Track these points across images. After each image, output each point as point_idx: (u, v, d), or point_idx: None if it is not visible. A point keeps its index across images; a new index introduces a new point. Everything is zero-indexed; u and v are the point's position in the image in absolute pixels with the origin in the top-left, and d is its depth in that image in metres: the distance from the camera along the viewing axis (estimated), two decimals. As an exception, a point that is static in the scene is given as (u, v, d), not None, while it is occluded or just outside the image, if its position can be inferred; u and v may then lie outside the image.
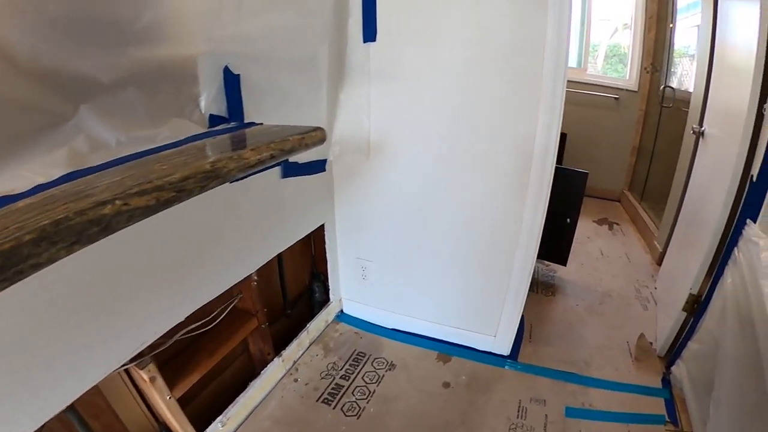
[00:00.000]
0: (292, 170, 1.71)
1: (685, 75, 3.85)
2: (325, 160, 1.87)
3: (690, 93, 3.22)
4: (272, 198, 1.69)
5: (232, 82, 1.29)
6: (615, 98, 4.66)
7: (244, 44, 1.32)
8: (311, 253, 2.33)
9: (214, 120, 1.28)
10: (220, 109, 1.30)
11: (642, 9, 4.43)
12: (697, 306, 2.11)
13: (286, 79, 1.51)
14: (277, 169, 1.64)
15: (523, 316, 2.39)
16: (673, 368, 2.16)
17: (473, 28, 1.65)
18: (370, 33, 1.72)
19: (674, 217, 3.13)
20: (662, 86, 4.03)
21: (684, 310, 2.16)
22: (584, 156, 4.80)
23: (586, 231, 4.01)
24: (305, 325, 2.25)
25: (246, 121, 1.37)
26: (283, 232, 1.83)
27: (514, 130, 1.76)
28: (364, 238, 2.25)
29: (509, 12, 1.59)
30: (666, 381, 2.19)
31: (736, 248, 1.79)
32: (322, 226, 2.18)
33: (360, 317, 2.53)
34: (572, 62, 4.91)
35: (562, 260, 2.81)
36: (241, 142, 1.11)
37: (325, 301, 2.46)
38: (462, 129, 1.82)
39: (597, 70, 5.21)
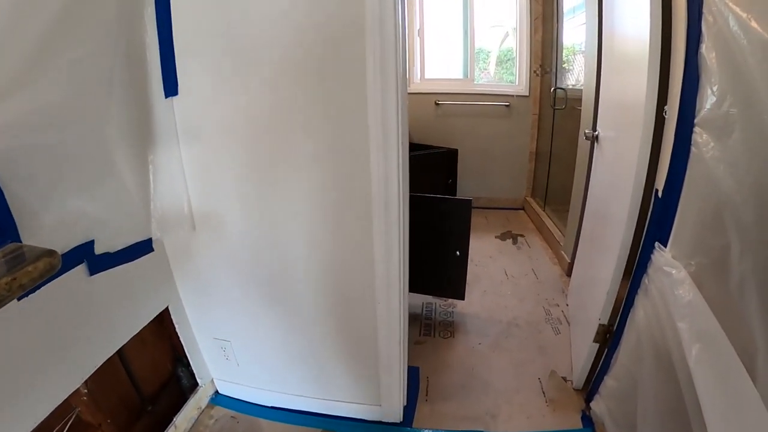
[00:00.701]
0: (103, 264, 1.46)
1: (581, 72, 3.66)
2: (149, 240, 1.65)
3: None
4: (81, 302, 1.43)
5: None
6: (506, 105, 4.53)
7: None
8: (169, 337, 2.03)
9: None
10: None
11: (526, 11, 4.30)
12: (609, 336, 1.91)
13: (72, 160, 1.29)
14: (81, 268, 1.38)
15: (417, 368, 2.24)
16: (592, 404, 1.97)
17: (285, 72, 1.48)
18: (170, 86, 1.53)
19: (578, 225, 2.91)
20: (553, 88, 3.91)
21: (595, 341, 1.97)
22: (480, 168, 4.71)
23: (488, 250, 3.74)
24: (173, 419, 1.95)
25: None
26: (108, 332, 1.58)
27: (346, 184, 1.58)
28: (217, 316, 1.99)
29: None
30: (587, 419, 1.98)
31: (645, 276, 1.57)
32: (168, 308, 1.91)
33: (237, 397, 2.19)
34: (457, 73, 4.75)
35: (459, 295, 2.49)
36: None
37: (194, 386, 2.13)
38: (291, 188, 1.64)
39: (490, 76, 5.12)
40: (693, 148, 1.27)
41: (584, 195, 2.77)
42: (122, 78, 1.38)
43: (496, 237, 4.03)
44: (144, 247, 1.63)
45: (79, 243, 1.32)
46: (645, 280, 1.57)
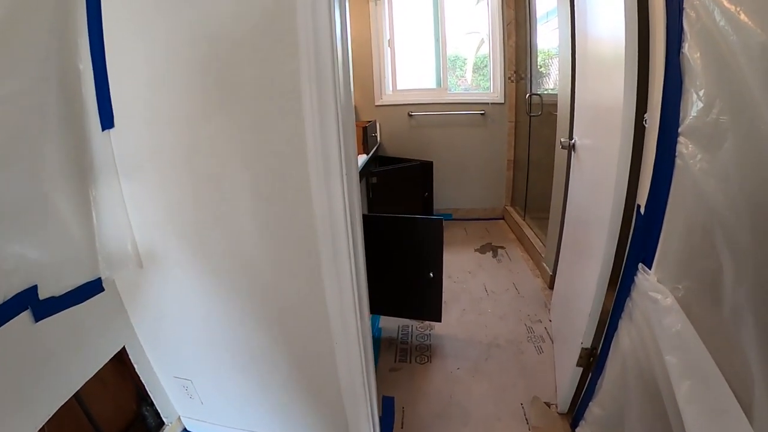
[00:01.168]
0: (49, 309, 1.38)
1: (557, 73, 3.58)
2: (98, 280, 1.56)
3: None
4: (28, 350, 1.36)
5: None
6: (481, 113, 4.43)
7: None
8: (131, 376, 1.94)
9: None
10: None
11: (498, 17, 4.21)
12: (593, 360, 1.80)
13: (5, 205, 1.21)
14: (24, 316, 1.30)
15: (392, 399, 2.14)
16: (578, 430, 1.86)
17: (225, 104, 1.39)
18: (106, 118, 1.46)
19: (558, 235, 2.79)
20: (528, 95, 3.81)
21: (579, 365, 1.86)
22: (457, 179, 4.61)
23: (467, 264, 3.60)
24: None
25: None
26: (61, 378, 1.50)
27: (289, 220, 1.50)
28: (176, 355, 1.91)
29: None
30: (572, 446, 1.84)
31: (629, 299, 1.45)
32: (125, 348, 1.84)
33: (206, 434, 2.11)
34: (431, 83, 4.64)
35: (435, 317, 2.35)
36: None
37: (161, 425, 2.06)
38: (232, 222, 1.55)
39: (468, 83, 5.00)
40: (678, 160, 1.14)
41: (563, 205, 2.66)
42: (57, 111, 1.32)
43: (475, 250, 3.89)
44: (93, 288, 1.55)
45: (21, 290, 1.24)
46: (629, 303, 1.44)
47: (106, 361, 1.72)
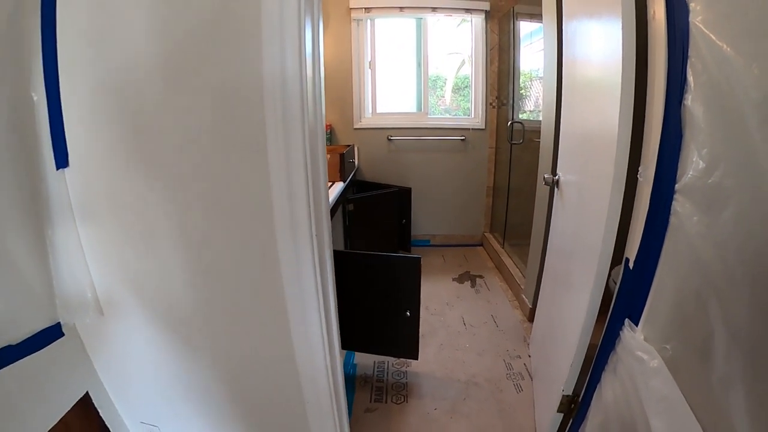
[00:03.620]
0: (6, 358, 1.32)
1: (539, 97, 3.52)
2: (57, 325, 1.49)
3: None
4: None
5: None
6: (461, 139, 4.38)
7: None
8: (97, 420, 1.83)
9: None
10: None
11: (482, 41, 4.19)
12: (574, 407, 1.74)
13: None
14: None
15: None
16: None
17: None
18: (61, 156, 1.39)
19: (539, 269, 2.75)
20: (510, 122, 3.79)
21: (559, 411, 1.80)
22: (436, 204, 4.55)
23: (445, 295, 3.53)
24: None
25: None
26: (20, 427, 1.42)
27: (252, 272, 1.47)
28: (142, 400, 1.83)
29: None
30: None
31: (613, 354, 1.39)
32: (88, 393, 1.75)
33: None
34: (411, 107, 4.58)
35: (412, 354, 2.26)
36: None
37: None
38: (193, 271, 1.50)
39: (447, 104, 4.99)
40: (673, 218, 1.08)
41: (545, 237, 2.60)
42: (9, 144, 1.26)
43: (453, 279, 3.82)
44: (52, 334, 1.49)
45: None
46: (613, 357, 1.38)
47: (69, 407, 1.64)
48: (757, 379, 0.90)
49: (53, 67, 1.30)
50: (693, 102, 1.01)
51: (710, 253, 0.96)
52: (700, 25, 0.99)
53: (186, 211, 1.41)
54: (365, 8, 4.07)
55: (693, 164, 1.00)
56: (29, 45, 1.27)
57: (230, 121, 1.27)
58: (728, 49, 0.92)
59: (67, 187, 1.45)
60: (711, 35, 0.96)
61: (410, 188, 4.14)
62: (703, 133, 0.98)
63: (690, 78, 1.01)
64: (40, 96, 1.31)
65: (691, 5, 1.01)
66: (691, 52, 1.01)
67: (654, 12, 1.17)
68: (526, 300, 3.14)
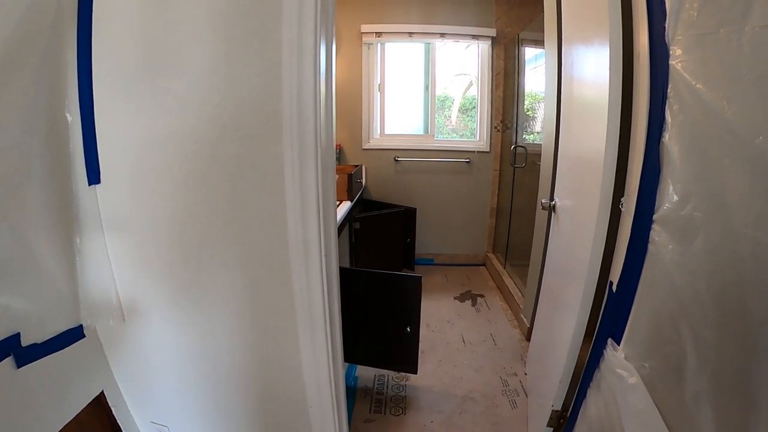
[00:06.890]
0: (31, 355, 1.38)
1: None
2: (79, 327, 1.57)
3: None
4: (9, 395, 1.34)
5: None
6: (466, 162, 4.50)
7: None
8: (109, 419, 1.89)
9: None
10: None
11: (487, 65, 4.31)
12: (563, 422, 1.82)
13: None
14: (8, 361, 1.30)
15: None
16: None
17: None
18: (93, 174, 1.49)
19: (537, 288, 2.81)
20: (513, 146, 3.88)
21: (549, 425, 1.88)
22: (440, 224, 4.63)
23: (446, 313, 3.61)
24: None
25: None
26: (39, 422, 1.47)
27: (268, 290, 1.57)
28: (154, 401, 1.90)
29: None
30: None
31: (597, 371, 1.47)
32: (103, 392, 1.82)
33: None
34: (418, 129, 4.70)
35: (411, 369, 2.34)
36: None
37: None
38: (214, 290, 1.61)
39: (453, 124, 5.07)
40: (651, 246, 1.17)
41: (543, 259, 2.66)
42: (43, 163, 1.32)
43: (455, 298, 3.90)
44: (74, 335, 1.55)
45: (4, 337, 1.25)
46: (597, 374, 1.47)
47: (85, 404, 1.70)
48: (721, 395, 0.99)
49: (89, 90, 1.40)
50: (670, 140, 1.10)
51: (683, 279, 1.06)
52: (679, 68, 1.08)
53: (205, 234, 1.52)
54: (376, 33, 4.23)
55: (669, 197, 1.09)
56: (65, 70, 1.37)
57: (253, 151, 1.39)
58: (705, 91, 1.00)
59: (98, 201, 1.54)
60: (689, 77, 1.05)
61: (415, 208, 4.23)
62: (678, 169, 1.08)
63: (668, 117, 1.10)
64: (74, 117, 1.41)
65: (672, 48, 1.10)
66: (671, 92, 1.09)
67: (639, 53, 1.27)
68: (525, 319, 3.21)
